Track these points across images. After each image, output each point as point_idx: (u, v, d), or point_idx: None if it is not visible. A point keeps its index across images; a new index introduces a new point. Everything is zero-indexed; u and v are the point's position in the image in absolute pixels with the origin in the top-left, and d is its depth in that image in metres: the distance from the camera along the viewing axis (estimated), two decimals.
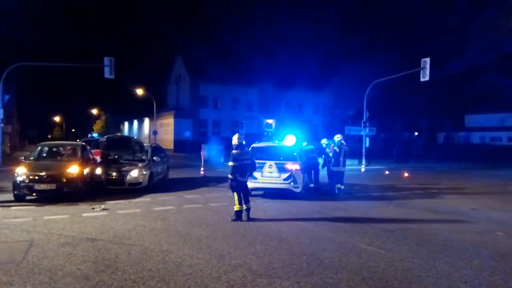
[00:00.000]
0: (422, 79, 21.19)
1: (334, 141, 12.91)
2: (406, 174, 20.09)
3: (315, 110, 52.48)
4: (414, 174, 20.86)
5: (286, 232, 7.41)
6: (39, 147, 12.36)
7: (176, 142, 43.75)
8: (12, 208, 9.44)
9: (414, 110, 47.89)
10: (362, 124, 25.62)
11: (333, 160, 12.62)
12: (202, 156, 20.00)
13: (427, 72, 20.91)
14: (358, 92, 28.77)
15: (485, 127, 53.93)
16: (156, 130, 41.32)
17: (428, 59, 20.94)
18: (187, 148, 37.93)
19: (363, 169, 22.80)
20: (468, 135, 54.87)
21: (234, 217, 8.30)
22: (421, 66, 21.11)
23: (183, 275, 5.01)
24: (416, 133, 54.98)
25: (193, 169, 20.69)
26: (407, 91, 42.30)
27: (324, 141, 14.01)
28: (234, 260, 5.62)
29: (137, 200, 10.87)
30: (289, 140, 12.44)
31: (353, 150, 19.82)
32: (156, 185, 13.34)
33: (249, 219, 8.34)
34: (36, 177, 10.17)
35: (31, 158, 11.38)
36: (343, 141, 12.74)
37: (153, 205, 10.04)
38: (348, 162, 13.82)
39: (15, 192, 10.28)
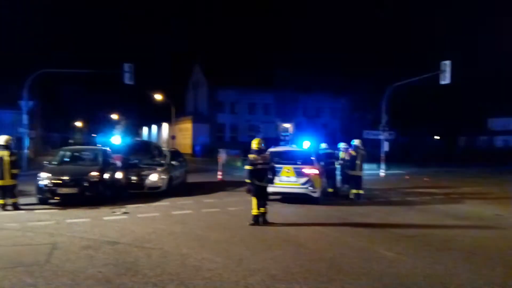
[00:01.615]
0: (442, 82, 20.80)
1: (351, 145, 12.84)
2: (425, 179, 19.73)
3: (333, 114, 52.03)
4: (435, 178, 20.44)
5: (304, 237, 7.37)
6: (62, 152, 12.65)
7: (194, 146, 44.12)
8: (36, 211, 9.67)
9: (435, 113, 46.99)
10: (381, 128, 25.29)
11: (349, 164, 12.53)
12: (219, 160, 20.06)
13: (447, 75, 20.50)
14: (377, 96, 28.44)
15: (508, 130, 52.46)
16: (174, 134, 41.78)
17: (448, 62, 20.52)
18: (204, 152, 38.26)
19: (382, 174, 22.48)
20: (490, 139, 53.48)
21: (252, 222, 8.31)
22: (442, 69, 20.73)
23: (202, 279, 5.04)
24: (437, 137, 53.90)
25: (211, 173, 20.81)
26: (427, 94, 41.60)
27: (342, 145, 13.93)
28: (252, 265, 5.62)
29: (156, 204, 10.99)
30: (306, 145, 12.42)
31: (372, 154, 19.52)
32: (175, 189, 13.46)
33: (266, 223, 8.32)
34: (59, 181, 10.41)
35: (54, 163, 11.67)
36: (360, 145, 12.62)
37: (172, 209, 10.15)
38: (367, 166, 13.67)
39: (39, 196, 10.54)
